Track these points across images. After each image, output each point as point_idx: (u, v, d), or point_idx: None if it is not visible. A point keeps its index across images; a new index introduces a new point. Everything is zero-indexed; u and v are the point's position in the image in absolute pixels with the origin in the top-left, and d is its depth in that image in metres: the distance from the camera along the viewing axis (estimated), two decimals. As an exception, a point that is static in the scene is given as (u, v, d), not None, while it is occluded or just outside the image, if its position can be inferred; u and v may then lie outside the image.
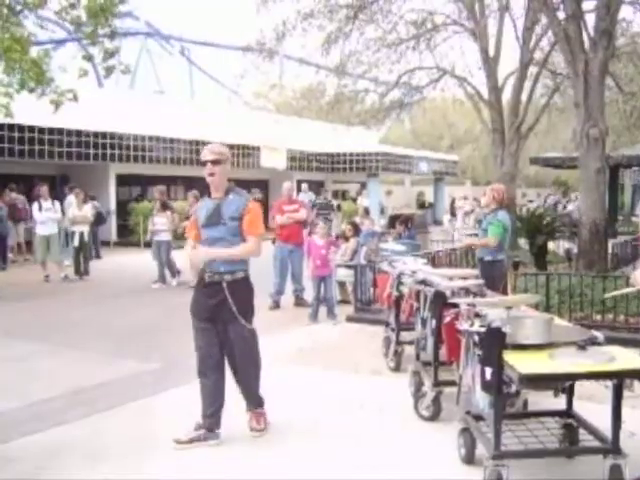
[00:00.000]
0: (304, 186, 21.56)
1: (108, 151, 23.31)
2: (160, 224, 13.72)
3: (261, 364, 5.55)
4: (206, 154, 5.28)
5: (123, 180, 24.94)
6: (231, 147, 27.72)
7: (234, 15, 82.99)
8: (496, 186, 8.33)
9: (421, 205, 37.94)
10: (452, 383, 5.38)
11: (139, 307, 11.62)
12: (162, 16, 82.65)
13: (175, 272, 13.96)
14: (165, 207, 14.20)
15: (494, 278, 7.62)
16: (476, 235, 9.58)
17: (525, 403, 5.55)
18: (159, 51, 50.87)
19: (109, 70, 15.30)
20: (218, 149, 5.34)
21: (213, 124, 27.27)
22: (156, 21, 62.86)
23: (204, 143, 26.58)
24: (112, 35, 14.90)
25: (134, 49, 48.62)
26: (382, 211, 29.89)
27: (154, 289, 13.52)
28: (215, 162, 5.25)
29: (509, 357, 4.10)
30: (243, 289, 5.33)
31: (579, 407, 5.11)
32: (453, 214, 34.01)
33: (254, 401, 5.50)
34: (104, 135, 23.01)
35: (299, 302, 11.43)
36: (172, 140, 25.59)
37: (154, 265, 14.17)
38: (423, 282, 6.08)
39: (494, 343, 4.14)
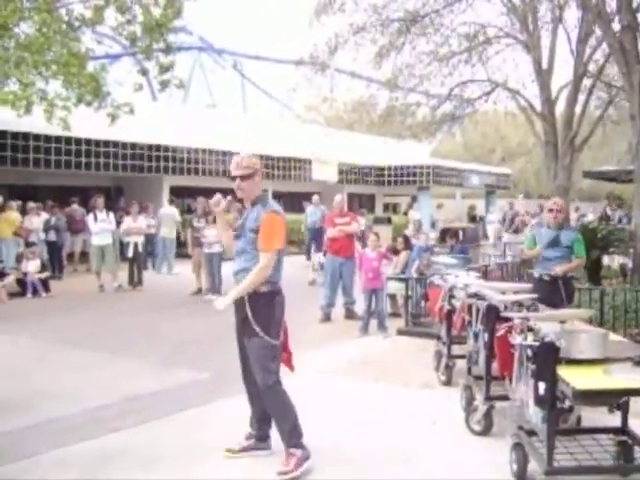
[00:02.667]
0: (315, 198, 20.67)
1: (162, 163, 23.66)
2: (211, 236, 13.80)
3: (284, 399, 5.11)
4: (233, 169, 5.07)
5: (176, 192, 25.28)
6: (282, 160, 28.04)
7: (286, 29, 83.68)
8: (560, 200, 8.17)
9: (472, 219, 37.61)
10: (504, 397, 5.35)
11: (189, 317, 11.76)
12: (215, 31, 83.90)
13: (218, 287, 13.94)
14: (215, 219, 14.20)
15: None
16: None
17: (579, 419, 5.49)
18: (212, 65, 51.49)
19: (164, 84, 15.59)
20: (246, 162, 5.09)
21: (265, 137, 27.52)
22: (209, 36, 63.59)
23: (255, 156, 27.16)
24: (167, 50, 15.19)
25: (187, 63, 49.32)
26: (433, 225, 29.74)
27: (205, 301, 13.60)
28: (243, 177, 5.04)
29: (563, 372, 4.08)
30: (264, 304, 5.00)
31: (635, 424, 5.05)
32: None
33: (282, 436, 5.10)
34: (158, 148, 23.37)
35: (350, 315, 11.45)
36: (224, 153, 25.85)
37: (193, 277, 14.62)
38: (475, 295, 6.06)
39: (548, 357, 4.12)
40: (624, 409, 4.91)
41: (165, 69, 15.16)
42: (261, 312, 4.97)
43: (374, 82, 18.88)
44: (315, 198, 20.51)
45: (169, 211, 19.62)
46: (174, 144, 23.94)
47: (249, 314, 4.94)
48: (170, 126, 23.78)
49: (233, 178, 5.06)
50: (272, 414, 5.13)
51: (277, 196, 29.05)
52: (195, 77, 49.94)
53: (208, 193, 23.21)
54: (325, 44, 16.27)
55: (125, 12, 14.41)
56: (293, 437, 5.01)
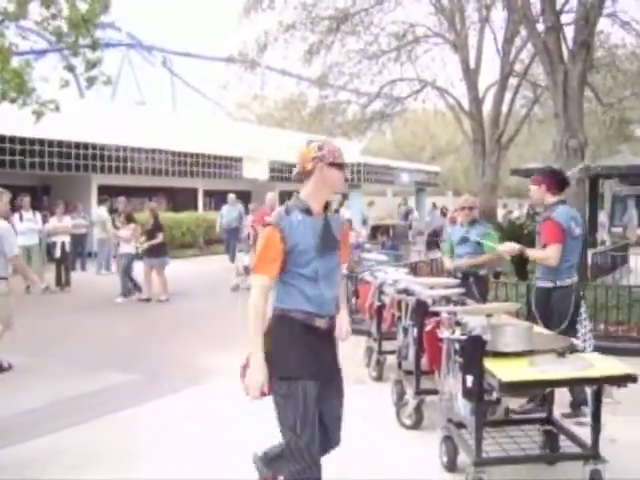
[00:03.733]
0: (231, 196, 19.85)
1: (90, 162, 23.20)
2: (124, 236, 13.57)
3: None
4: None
5: (105, 191, 24.85)
6: (213, 158, 27.82)
7: (216, 27, 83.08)
8: (470, 197, 8.22)
9: (405, 216, 38.00)
10: (434, 392, 5.41)
11: (118, 319, 11.55)
12: (144, 27, 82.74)
13: (132, 288, 13.65)
14: (129, 219, 13.96)
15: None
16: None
17: (506, 410, 5.59)
18: (141, 62, 50.85)
19: (91, 81, 15.28)
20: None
21: (195, 135, 27.27)
22: (138, 32, 62.68)
23: (186, 155, 26.79)
24: (94, 46, 14.89)
25: (116, 60, 48.59)
26: (364, 222, 29.92)
27: (133, 302, 13.39)
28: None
29: (490, 364, 4.14)
30: (275, 332, 3.77)
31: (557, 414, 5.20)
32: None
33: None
34: (86, 146, 22.91)
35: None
36: (154, 151, 25.54)
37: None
38: (405, 291, 6.12)
39: (474, 351, 4.18)
40: (549, 399, 5.03)
41: (92, 65, 14.85)
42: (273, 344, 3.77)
43: (304, 80, 18.95)
44: (231, 197, 19.88)
45: (98, 211, 19.27)
46: (102, 142, 23.50)
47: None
48: (98, 124, 23.30)
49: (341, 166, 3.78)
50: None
51: (208, 195, 28.92)
52: (124, 74, 49.26)
53: (137, 192, 22.93)
54: (255, 41, 16.23)
55: (50, 6, 14.04)
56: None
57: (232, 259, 17.91)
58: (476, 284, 7.38)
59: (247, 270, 13.78)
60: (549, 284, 5.79)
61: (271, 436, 5.59)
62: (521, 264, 12.83)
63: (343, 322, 4.21)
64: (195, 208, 27.76)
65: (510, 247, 6.09)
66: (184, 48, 51.53)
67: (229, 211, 19.35)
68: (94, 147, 23.27)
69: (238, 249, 17.52)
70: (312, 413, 3.70)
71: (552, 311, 5.73)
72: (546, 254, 5.70)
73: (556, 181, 5.97)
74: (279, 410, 3.74)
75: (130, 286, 13.59)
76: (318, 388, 3.79)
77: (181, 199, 27.89)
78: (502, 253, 6.28)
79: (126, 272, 13.55)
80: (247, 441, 5.45)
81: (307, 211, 3.67)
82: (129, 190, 25.11)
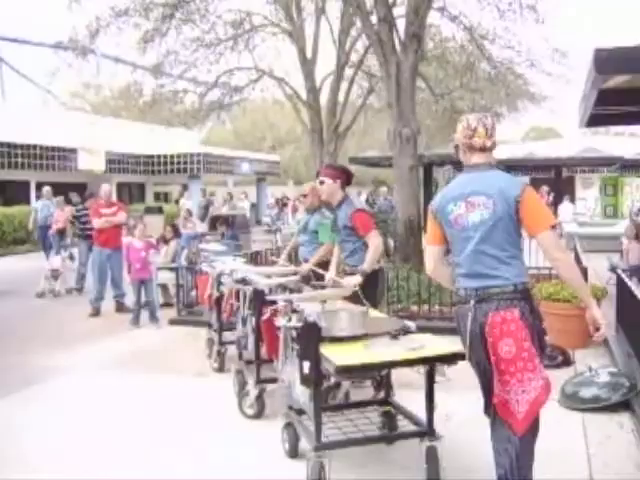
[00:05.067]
0: (46, 189, 18.00)
1: None
2: None
3: None
4: None
5: None
6: (46, 149, 26.68)
7: (46, 10, 79.40)
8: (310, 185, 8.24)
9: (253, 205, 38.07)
10: (275, 380, 5.41)
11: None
12: (-34, 11, 77.94)
13: None
14: None
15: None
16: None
17: (347, 395, 5.67)
18: (-36, 48, 47.86)
19: None
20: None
21: (26, 125, 26.03)
22: (-40, 16, 58.94)
23: (16, 146, 25.53)
24: None
25: None
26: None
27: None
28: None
29: (326, 350, 4.17)
30: None
31: (400, 395, 5.32)
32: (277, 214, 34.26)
33: None
34: None
35: (120, 307, 11.11)
36: (-21, 142, 24.23)
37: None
38: (242, 281, 6.08)
39: (310, 337, 4.20)
40: (386, 381, 5.15)
41: None
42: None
43: (139, 68, 18.45)
44: (46, 190, 18.10)
45: None
46: None
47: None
48: None
49: None
50: None
51: (41, 187, 27.71)
52: (-55, 61, 46.20)
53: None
54: (86, 27, 15.62)
55: None
56: None
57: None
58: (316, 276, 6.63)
59: (55, 274, 12.98)
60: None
61: (122, 437, 5.48)
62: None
63: None
64: (28, 202, 26.49)
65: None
66: (12, 33, 48.90)
67: (43, 206, 17.56)
68: None
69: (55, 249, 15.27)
70: None
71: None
72: (375, 243, 5.85)
73: (348, 179, 6.24)
74: None
75: None
76: None
77: (12, 193, 26.60)
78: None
79: None
80: (86, 435, 5.30)
81: None
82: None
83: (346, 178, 6.19)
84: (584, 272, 8.96)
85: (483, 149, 3.89)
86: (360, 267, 5.80)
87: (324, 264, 6.58)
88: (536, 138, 50.67)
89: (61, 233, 15.46)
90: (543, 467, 4.02)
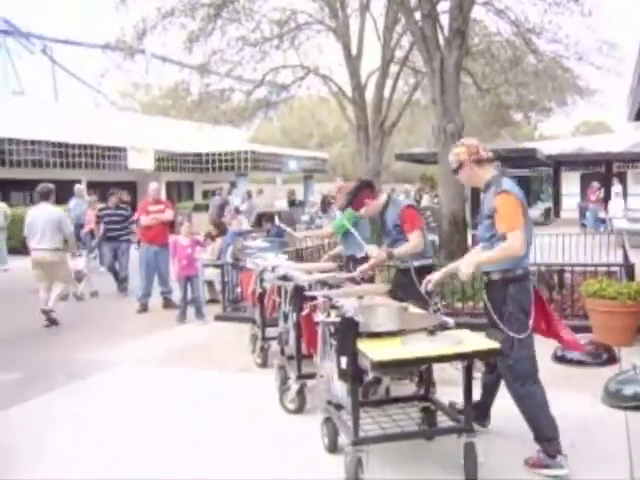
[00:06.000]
0: (78, 187, 17.67)
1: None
2: None
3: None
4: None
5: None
6: (97, 149, 27.15)
7: (95, 12, 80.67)
8: (341, 183, 8.26)
9: (291, 203, 38.15)
10: (315, 375, 5.46)
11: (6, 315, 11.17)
12: (21, 13, 79.59)
13: None
14: None
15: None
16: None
17: (387, 391, 5.69)
18: (19, 50, 48.76)
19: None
20: (451, 158, 4.96)
21: (78, 125, 26.54)
22: (15, 19, 60.14)
23: (67, 145, 26.02)
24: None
25: (-8, 48, 46.43)
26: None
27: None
28: (454, 171, 4.96)
29: (363, 345, 4.20)
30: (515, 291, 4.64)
31: (442, 392, 5.33)
32: (324, 210, 34.32)
33: (535, 430, 4.64)
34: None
35: (167, 304, 11.29)
36: (34, 142, 24.71)
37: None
38: (284, 277, 6.14)
39: (348, 332, 4.23)
40: (426, 377, 5.16)
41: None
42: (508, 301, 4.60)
43: (186, 67, 18.65)
44: (77, 188, 17.79)
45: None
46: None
47: (488, 304, 4.73)
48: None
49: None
50: (525, 413, 4.66)
51: (91, 186, 28.20)
52: (1, 62, 47.16)
53: (16, 185, 22.16)
54: (133, 28, 15.86)
55: None
56: (547, 431, 4.58)
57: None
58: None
59: (79, 276, 12.42)
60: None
61: (166, 431, 5.59)
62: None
63: None
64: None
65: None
66: (64, 35, 49.78)
67: (77, 204, 16.84)
68: (-33, 139, 22.33)
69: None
70: None
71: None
72: (415, 242, 5.84)
73: (369, 185, 6.20)
74: None
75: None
76: None
77: (64, 192, 27.11)
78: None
79: None
80: (130, 426, 5.41)
81: None
82: (9, 183, 24.24)
83: (367, 185, 6.14)
84: (631, 269, 8.91)
85: (490, 160, 4.79)
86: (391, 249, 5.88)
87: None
88: (587, 133, 50.02)
89: (92, 233, 14.80)
90: (584, 465, 4.01)
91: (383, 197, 6.13)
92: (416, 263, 5.80)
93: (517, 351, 4.55)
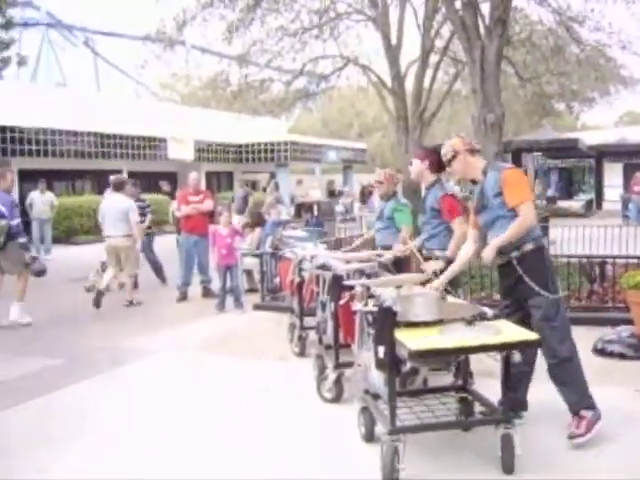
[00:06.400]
0: (111, 178, 17.14)
1: (9, 145, 22.61)
2: None
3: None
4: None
5: (27, 175, 24.22)
6: (137, 139, 27.41)
7: (135, 3, 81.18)
8: (385, 171, 8.14)
9: (331, 193, 38.20)
10: (353, 364, 5.47)
11: (46, 301, 11.33)
12: (64, 6, 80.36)
13: None
14: None
15: None
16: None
17: (425, 381, 5.68)
18: (62, 42, 49.35)
19: (5, 62, 14.90)
20: (444, 150, 5.21)
21: (119, 116, 26.82)
22: (58, 11, 60.89)
23: (109, 136, 26.32)
24: (7, 25, 14.48)
25: (36, 40, 47.09)
26: (292, 200, 29.95)
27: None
28: (448, 162, 5.19)
29: (400, 335, 4.20)
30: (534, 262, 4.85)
31: (480, 383, 5.35)
32: (363, 201, 34.28)
33: (572, 400, 4.88)
34: (4, 129, 22.29)
35: (206, 293, 11.38)
36: (76, 133, 25.03)
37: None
38: (322, 267, 6.15)
39: (385, 322, 4.24)
40: (464, 368, 5.14)
41: (5, 46, 14.48)
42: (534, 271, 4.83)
43: (226, 57, 18.72)
44: (112, 178, 17.58)
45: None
46: (22, 125, 22.89)
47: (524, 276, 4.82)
48: (17, 106, 22.69)
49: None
50: (562, 381, 4.89)
51: (133, 176, 28.54)
52: (44, 55, 47.79)
53: (60, 175, 22.41)
54: (173, 19, 15.97)
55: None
56: (585, 399, 4.84)
57: None
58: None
59: (104, 266, 11.59)
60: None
61: (203, 417, 5.65)
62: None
63: None
64: (120, 190, 27.29)
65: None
66: (106, 27, 50.23)
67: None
68: (12, 130, 22.65)
69: None
70: None
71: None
72: (460, 231, 5.84)
73: (438, 160, 5.85)
74: None
75: None
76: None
77: (106, 182, 27.43)
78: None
79: None
80: (169, 411, 5.48)
81: None
82: (52, 173, 24.58)
83: (436, 159, 5.98)
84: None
85: (479, 152, 5.21)
86: (443, 253, 5.87)
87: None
88: (630, 123, 49.18)
89: None
90: (618, 458, 3.96)
91: (434, 176, 6.28)
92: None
93: (562, 312, 4.86)
